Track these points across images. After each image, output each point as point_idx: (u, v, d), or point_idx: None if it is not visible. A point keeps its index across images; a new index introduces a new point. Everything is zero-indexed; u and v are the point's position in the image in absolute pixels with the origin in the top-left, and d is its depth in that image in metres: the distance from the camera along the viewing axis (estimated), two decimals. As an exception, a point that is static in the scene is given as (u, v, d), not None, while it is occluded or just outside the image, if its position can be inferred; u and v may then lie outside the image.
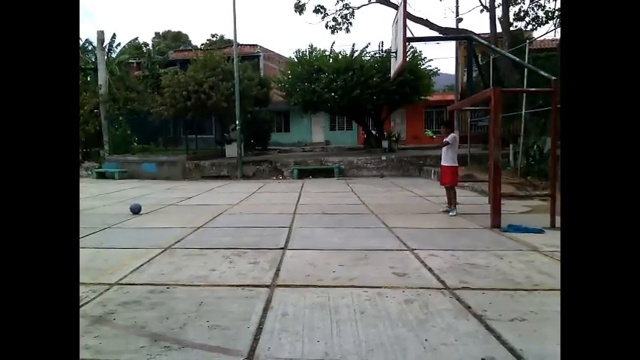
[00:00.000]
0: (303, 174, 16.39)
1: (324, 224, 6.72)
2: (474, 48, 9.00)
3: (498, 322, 2.93)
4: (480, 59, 11.03)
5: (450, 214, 7.42)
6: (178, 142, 24.39)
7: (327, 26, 20.19)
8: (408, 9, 11.86)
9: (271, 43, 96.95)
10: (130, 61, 26.45)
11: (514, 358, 2.46)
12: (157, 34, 48.31)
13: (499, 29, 15.04)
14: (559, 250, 4.36)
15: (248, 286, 3.78)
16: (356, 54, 19.50)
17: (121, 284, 3.88)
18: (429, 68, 20.56)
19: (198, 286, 3.81)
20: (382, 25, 34.86)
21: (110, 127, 20.47)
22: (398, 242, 5.44)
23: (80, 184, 15.14)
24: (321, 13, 19.92)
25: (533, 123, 12.57)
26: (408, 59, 12.96)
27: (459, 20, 20.70)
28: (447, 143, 7.52)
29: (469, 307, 3.20)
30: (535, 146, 11.80)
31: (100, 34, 20.64)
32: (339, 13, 19.99)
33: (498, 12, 15.03)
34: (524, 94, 12.19)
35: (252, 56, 27.39)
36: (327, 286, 3.72)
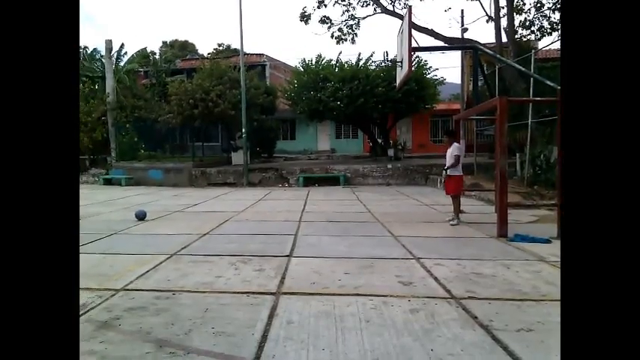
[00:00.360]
0: (309, 182, 16.41)
1: (329, 232, 6.71)
2: (480, 57, 9.03)
3: (505, 332, 2.91)
4: (485, 69, 11.08)
5: (451, 223, 7.35)
6: (185, 149, 24.52)
7: (332, 36, 20.36)
8: (413, 19, 11.92)
9: (277, 52, 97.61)
10: (138, 69, 26.71)
11: (521, 368, 2.44)
12: (164, 43, 48.78)
13: (504, 39, 15.07)
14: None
15: (253, 293, 3.77)
16: (361, 63, 19.59)
17: (127, 290, 3.89)
18: (434, 78, 20.61)
19: (204, 292, 3.81)
20: (388, 35, 35.03)
21: (117, 134, 20.65)
22: (404, 251, 5.43)
23: (87, 190, 15.26)
24: (327, 23, 20.10)
25: (540, 132, 12.54)
26: (413, 69, 13.00)
27: (465, 30, 20.80)
28: (458, 161, 7.47)
29: (475, 317, 3.18)
30: (542, 155, 11.75)
31: (109, 43, 20.90)
32: (344, 23, 20.15)
33: (504, 22, 15.09)
34: (531, 104, 12.18)
35: (258, 65, 27.58)
36: (333, 294, 3.71)
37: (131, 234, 6.80)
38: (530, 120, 12.41)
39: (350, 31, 20.27)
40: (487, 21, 17.84)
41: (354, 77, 18.24)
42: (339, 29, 20.25)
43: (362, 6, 19.63)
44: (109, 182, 18.01)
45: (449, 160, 7.54)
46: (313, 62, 20.36)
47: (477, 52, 8.78)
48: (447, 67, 57.92)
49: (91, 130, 20.42)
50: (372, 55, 19.98)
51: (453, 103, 27.53)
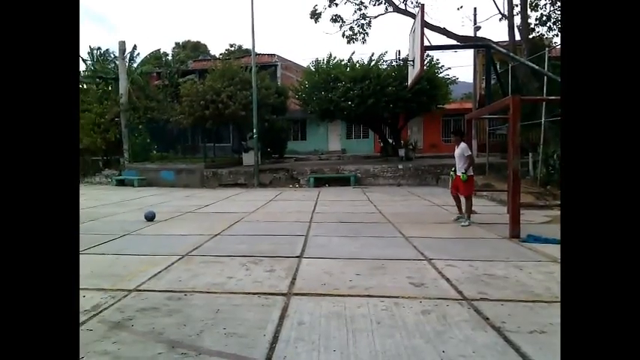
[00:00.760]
0: (320, 182, 16.41)
1: (340, 233, 6.70)
2: (493, 56, 8.95)
3: (517, 334, 2.88)
4: (498, 67, 10.95)
5: (462, 224, 7.29)
6: (196, 150, 24.71)
7: (343, 35, 20.32)
8: (426, 18, 11.85)
9: (288, 52, 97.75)
10: (151, 71, 26.97)
11: (534, 371, 2.41)
12: (177, 44, 49.18)
13: (518, 37, 14.91)
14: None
15: (264, 294, 3.78)
16: (373, 62, 19.54)
17: (140, 290, 3.92)
18: (446, 77, 20.48)
19: (215, 293, 3.83)
20: (399, 33, 34.94)
21: (130, 135, 20.86)
22: (415, 252, 5.40)
23: (101, 191, 15.45)
24: (338, 22, 20.07)
25: (553, 131, 12.38)
26: (425, 68, 12.92)
27: (477, 28, 20.64)
28: (472, 160, 7.43)
29: (487, 319, 3.15)
30: (555, 155, 11.60)
31: (122, 45, 21.12)
32: (356, 22, 20.10)
33: (517, 20, 14.91)
34: (544, 103, 12.04)
35: (269, 65, 27.68)
36: (344, 295, 3.70)
37: (144, 235, 6.87)
38: (543, 119, 12.27)
39: (361, 30, 20.22)
40: (500, 19, 17.66)
41: (365, 77, 18.21)
42: (350, 28, 20.21)
43: (374, 5, 19.57)
44: (121, 183, 18.21)
45: (460, 160, 7.45)
46: (324, 62, 20.37)
47: (489, 51, 8.70)
48: (460, 66, 57.47)
49: (104, 131, 20.66)
50: (383, 55, 19.97)
51: (465, 102, 27.31)
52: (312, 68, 20.78)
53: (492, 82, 9.26)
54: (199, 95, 18.41)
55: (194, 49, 46.49)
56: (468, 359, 2.54)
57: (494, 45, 9.89)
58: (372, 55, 20.23)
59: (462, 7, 39.92)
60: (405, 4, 18.80)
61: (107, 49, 26.88)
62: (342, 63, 20.03)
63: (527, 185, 11.14)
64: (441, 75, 20.01)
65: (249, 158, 18.80)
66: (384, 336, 2.86)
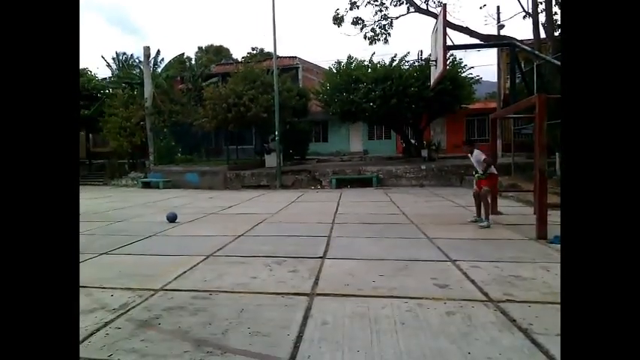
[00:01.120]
0: (342, 183, 16.40)
1: (363, 234, 6.69)
2: (517, 54, 8.79)
3: (545, 336, 2.82)
4: (522, 66, 10.76)
5: (480, 225, 7.14)
6: (220, 152, 25.02)
7: (365, 37, 20.31)
8: (448, 17, 11.73)
9: (309, 54, 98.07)
10: (175, 75, 27.44)
11: (563, 374, 2.36)
12: (199, 48, 49.97)
13: (543, 34, 14.61)
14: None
15: (288, 294, 3.80)
16: (394, 63, 19.42)
17: (166, 290, 3.99)
18: (470, 76, 20.19)
19: (239, 293, 3.86)
20: (421, 33, 34.66)
21: (155, 138, 21.28)
22: (439, 253, 5.34)
23: (127, 193, 15.80)
24: (360, 24, 20.06)
25: (581, 130, 12.07)
26: (448, 67, 12.79)
27: (501, 27, 20.33)
28: (490, 162, 7.34)
29: (514, 320, 3.10)
30: (583, 154, 11.30)
31: (146, 50, 21.58)
32: (377, 23, 20.06)
33: (542, 17, 14.63)
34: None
35: (291, 68, 27.82)
36: (367, 296, 3.69)
37: (169, 235, 6.99)
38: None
39: (383, 31, 20.16)
40: (524, 17, 17.37)
41: (386, 77, 18.11)
42: (372, 30, 20.20)
43: (395, 5, 19.49)
44: (147, 185, 18.58)
45: (479, 166, 7.44)
46: (345, 64, 20.35)
47: (514, 49, 8.55)
48: (483, 65, 56.66)
49: (130, 134, 21.14)
50: (406, 55, 19.79)
51: (490, 101, 26.85)
52: (333, 70, 20.79)
53: (517, 80, 9.09)
54: (222, 98, 18.65)
55: (217, 53, 47.17)
56: (494, 361, 2.50)
57: (519, 43, 9.71)
58: (395, 55, 20.07)
59: (485, 5, 39.34)
60: (427, 4, 18.71)
61: (132, 55, 27.56)
62: (363, 64, 19.97)
63: (554, 185, 10.88)
64: (464, 74, 19.74)
65: (271, 160, 18.95)
66: (409, 337, 2.84)
